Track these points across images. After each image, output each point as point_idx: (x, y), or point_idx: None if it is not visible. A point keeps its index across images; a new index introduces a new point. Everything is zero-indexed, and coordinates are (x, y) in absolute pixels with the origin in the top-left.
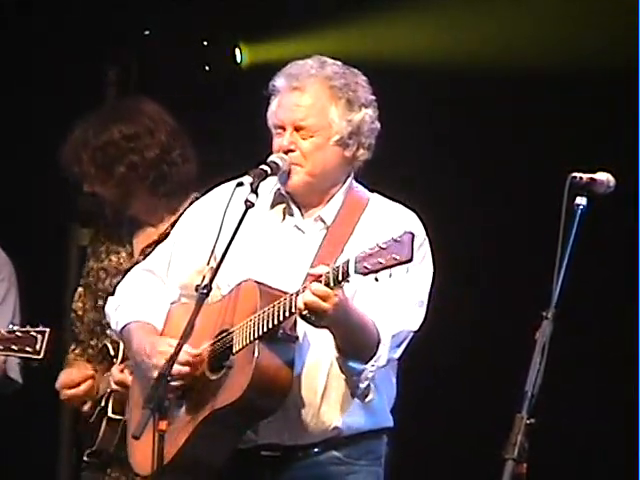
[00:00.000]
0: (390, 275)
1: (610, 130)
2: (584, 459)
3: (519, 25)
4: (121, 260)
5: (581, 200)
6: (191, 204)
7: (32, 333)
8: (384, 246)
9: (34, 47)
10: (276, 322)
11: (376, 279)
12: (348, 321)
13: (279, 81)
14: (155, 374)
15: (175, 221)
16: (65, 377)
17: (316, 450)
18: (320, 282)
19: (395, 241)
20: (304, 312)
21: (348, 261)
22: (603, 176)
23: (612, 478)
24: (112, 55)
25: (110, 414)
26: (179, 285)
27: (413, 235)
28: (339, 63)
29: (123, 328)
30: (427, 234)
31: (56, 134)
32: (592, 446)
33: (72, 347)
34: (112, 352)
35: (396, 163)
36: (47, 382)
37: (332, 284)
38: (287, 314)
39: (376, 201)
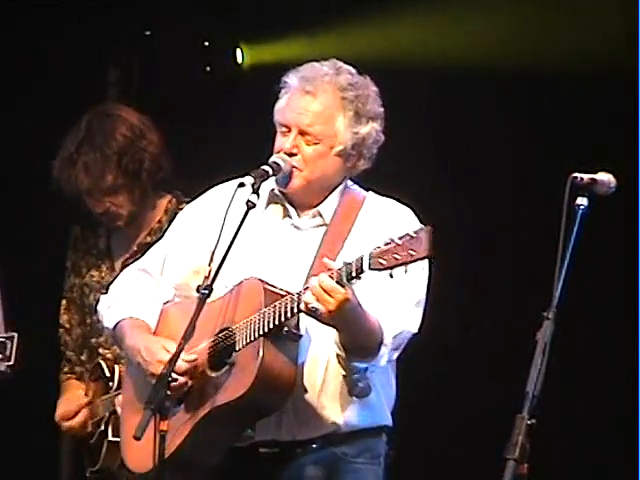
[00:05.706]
0: (406, 271)
1: (610, 130)
2: (584, 459)
3: (519, 25)
4: (103, 274)
5: (582, 200)
6: (172, 208)
7: (0, 339)
8: (400, 242)
9: (35, 47)
10: (283, 319)
11: (391, 275)
12: (355, 319)
13: (292, 79)
14: (153, 381)
15: (155, 226)
16: (62, 409)
17: (314, 446)
18: (331, 277)
19: (411, 237)
20: (310, 306)
21: (362, 257)
22: (604, 176)
23: (612, 478)
24: (113, 55)
25: (110, 437)
26: (174, 285)
27: (431, 230)
28: (353, 71)
29: (116, 325)
30: None
31: (57, 135)
32: (593, 446)
33: (62, 366)
34: (107, 373)
35: (395, 164)
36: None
37: (344, 280)
38: (295, 311)
39: (372, 198)
